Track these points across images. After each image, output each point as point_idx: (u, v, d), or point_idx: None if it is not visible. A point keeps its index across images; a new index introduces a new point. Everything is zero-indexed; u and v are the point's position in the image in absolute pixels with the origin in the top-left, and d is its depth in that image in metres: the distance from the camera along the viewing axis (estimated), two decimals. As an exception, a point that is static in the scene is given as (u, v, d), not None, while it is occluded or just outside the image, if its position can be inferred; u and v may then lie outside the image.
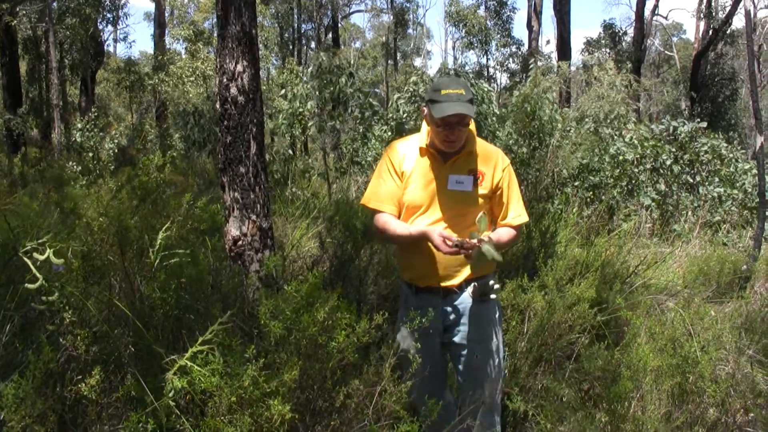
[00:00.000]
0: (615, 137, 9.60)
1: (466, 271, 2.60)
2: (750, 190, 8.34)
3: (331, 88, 9.08)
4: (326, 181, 9.86)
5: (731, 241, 7.28)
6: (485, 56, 35.07)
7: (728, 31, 25.15)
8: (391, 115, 10.15)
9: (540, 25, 24.55)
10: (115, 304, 2.44)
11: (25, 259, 2.29)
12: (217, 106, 3.59)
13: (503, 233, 2.60)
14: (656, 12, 29.50)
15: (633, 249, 5.81)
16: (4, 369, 2.29)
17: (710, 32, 23.20)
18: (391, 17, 36.88)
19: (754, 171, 8.09)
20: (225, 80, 3.50)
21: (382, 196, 2.63)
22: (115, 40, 46.82)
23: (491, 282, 2.67)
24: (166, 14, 30.78)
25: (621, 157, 8.53)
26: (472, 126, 2.63)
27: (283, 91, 9.91)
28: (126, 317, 2.43)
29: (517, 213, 2.66)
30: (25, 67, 22.22)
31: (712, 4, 23.83)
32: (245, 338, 2.46)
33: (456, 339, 2.65)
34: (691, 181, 8.69)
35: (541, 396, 3.16)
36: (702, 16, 24.67)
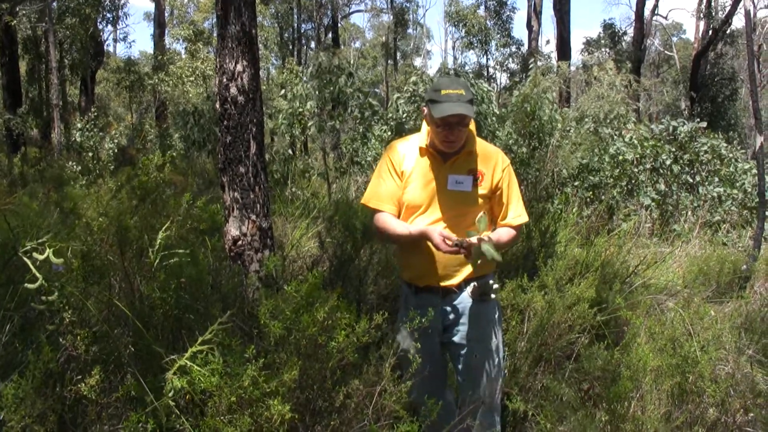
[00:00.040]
0: (615, 137, 9.60)
1: (466, 271, 2.60)
2: (750, 189, 8.34)
3: (331, 88, 9.08)
4: (326, 180, 9.86)
5: (731, 240, 7.28)
6: (485, 56, 35.09)
7: (728, 31, 25.16)
8: (390, 115, 10.15)
9: (540, 25, 24.56)
10: (114, 303, 2.44)
11: (25, 258, 2.29)
12: (217, 105, 3.59)
13: (503, 233, 2.60)
14: (656, 12, 29.53)
15: (633, 249, 5.81)
16: (3, 369, 2.29)
17: (710, 32, 23.21)
18: (391, 17, 36.90)
19: (754, 171, 8.09)
20: (225, 80, 3.49)
21: (382, 195, 2.64)
22: (115, 40, 46.88)
23: (491, 282, 2.67)
24: (166, 14, 30.79)
25: (621, 157, 8.53)
26: (472, 126, 2.63)
27: (283, 91, 9.91)
28: (126, 317, 2.43)
29: (517, 213, 2.66)
30: (24, 67, 22.22)
31: (712, 4, 23.85)
32: (245, 338, 2.46)
33: (455, 339, 2.65)
34: (691, 181, 8.69)
35: (540, 396, 3.16)
36: (702, 16, 24.68)
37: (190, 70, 22.37)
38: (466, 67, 34.63)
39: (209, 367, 1.92)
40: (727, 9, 22.48)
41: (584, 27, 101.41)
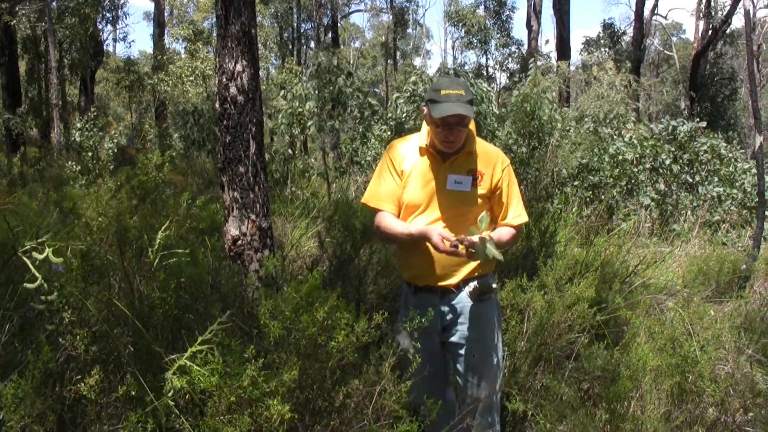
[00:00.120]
0: (614, 137, 9.60)
1: (464, 271, 2.60)
2: (749, 189, 8.34)
3: (331, 88, 9.08)
4: (326, 180, 9.86)
5: (730, 240, 7.28)
6: (484, 56, 35.12)
7: (727, 31, 25.20)
8: (390, 114, 10.15)
9: (539, 24, 24.58)
10: (114, 303, 2.44)
11: (25, 258, 2.28)
12: (217, 105, 3.58)
13: (504, 232, 2.60)
14: (655, 12, 29.54)
15: (632, 248, 5.81)
16: (3, 369, 2.29)
17: (710, 32, 23.21)
18: (391, 17, 36.89)
19: (754, 170, 8.10)
20: (224, 80, 3.49)
21: (382, 195, 2.64)
22: (115, 40, 46.83)
23: (490, 281, 2.67)
24: (166, 14, 30.79)
25: (620, 157, 8.53)
26: (472, 126, 2.63)
27: (282, 92, 9.90)
28: (125, 317, 2.42)
29: (517, 213, 2.67)
30: (24, 67, 22.21)
31: (712, 3, 23.83)
32: (245, 338, 2.46)
33: (454, 338, 2.65)
34: (691, 180, 8.69)
35: (540, 395, 3.16)
36: (701, 15, 24.68)
37: (190, 69, 22.38)
38: (466, 67, 34.63)
39: (209, 367, 1.92)
40: (727, 9, 22.50)
41: (584, 27, 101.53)
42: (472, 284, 2.62)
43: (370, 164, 10.35)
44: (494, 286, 2.69)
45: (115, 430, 2.09)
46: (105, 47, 28.72)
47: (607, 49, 25.62)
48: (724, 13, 22.78)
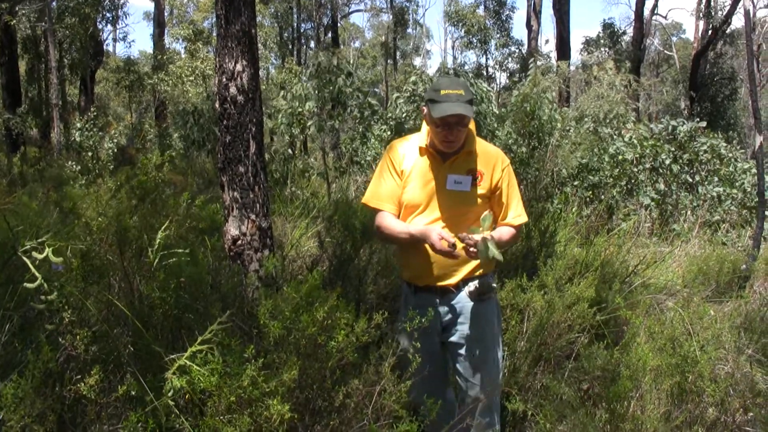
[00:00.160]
0: (614, 137, 9.60)
1: (464, 271, 2.60)
2: (749, 189, 8.34)
3: (331, 88, 9.07)
4: (325, 180, 9.86)
5: (730, 240, 7.28)
6: (484, 56, 35.12)
7: (727, 31, 25.20)
8: (390, 114, 10.15)
9: (539, 24, 24.57)
10: (114, 303, 2.44)
11: (24, 258, 2.28)
12: (217, 105, 3.58)
13: (504, 232, 2.60)
14: (655, 11, 29.54)
15: (632, 248, 5.81)
16: (3, 368, 2.29)
17: (709, 32, 23.22)
18: (391, 17, 36.90)
19: (754, 170, 8.10)
20: (224, 80, 3.49)
21: (382, 195, 2.64)
22: (115, 40, 46.83)
23: (489, 281, 2.67)
24: (166, 14, 30.79)
25: (620, 157, 8.53)
26: (472, 126, 2.63)
27: (282, 92, 9.91)
28: (125, 317, 2.42)
29: (517, 213, 2.67)
30: (24, 67, 22.21)
31: (712, 3, 23.84)
32: (244, 338, 2.46)
33: (454, 338, 2.65)
34: (691, 180, 8.69)
35: (540, 395, 3.16)
36: (701, 15, 24.68)
37: (190, 69, 22.37)
38: (466, 67, 34.64)
39: (209, 366, 1.92)
40: (727, 9, 22.50)
41: (584, 27, 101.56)
42: (472, 284, 2.62)
43: (370, 164, 10.35)
44: (494, 285, 2.69)
45: (115, 429, 2.09)
46: (105, 47, 28.74)
47: (606, 49, 25.62)
48: (724, 13, 22.79)
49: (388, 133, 9.85)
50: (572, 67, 22.39)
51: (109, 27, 26.74)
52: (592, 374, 2.91)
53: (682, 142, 8.79)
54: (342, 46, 37.08)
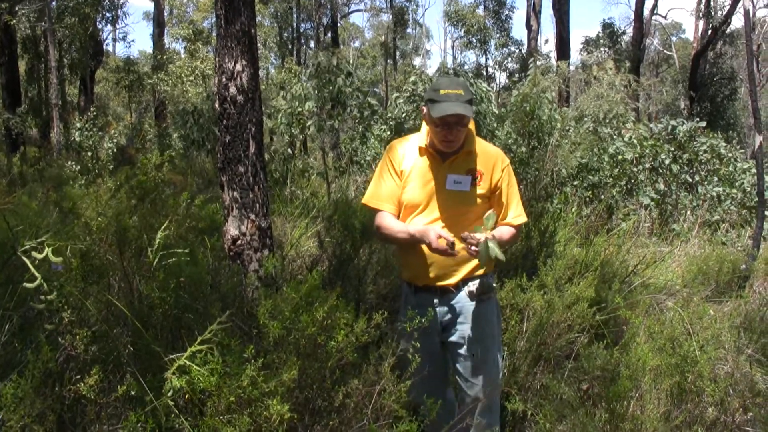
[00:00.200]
0: (614, 137, 9.60)
1: (464, 271, 2.60)
2: (749, 189, 8.34)
3: (330, 88, 9.07)
4: (325, 180, 9.85)
5: (730, 240, 7.28)
6: (484, 56, 35.13)
7: (727, 31, 25.21)
8: (390, 114, 10.15)
9: (539, 24, 24.57)
10: (114, 303, 2.44)
11: (24, 258, 2.28)
12: (216, 105, 3.58)
13: (505, 231, 2.60)
14: (655, 11, 29.55)
15: (632, 248, 5.81)
16: (3, 368, 2.29)
17: (709, 32, 23.21)
18: (390, 17, 36.90)
19: (753, 170, 8.10)
20: (224, 79, 3.49)
21: (381, 195, 2.65)
22: (115, 40, 46.85)
23: (490, 281, 2.67)
24: (166, 13, 30.78)
25: (620, 157, 8.53)
26: (472, 126, 2.63)
27: (282, 92, 9.91)
28: (125, 317, 2.42)
29: (516, 213, 2.67)
30: (24, 67, 22.21)
31: (711, 3, 23.83)
32: (244, 338, 2.45)
33: (453, 338, 2.65)
34: (690, 180, 8.69)
35: (540, 395, 3.16)
36: (701, 15, 24.68)
37: (190, 69, 22.36)
38: (465, 67, 34.65)
39: (208, 366, 1.92)
40: (726, 8, 22.51)
41: (583, 26, 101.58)
42: (472, 284, 2.62)
43: (370, 164, 10.35)
44: (494, 285, 2.69)
45: (115, 429, 2.08)
46: (105, 47, 28.74)
47: (606, 49, 25.61)
48: (724, 13, 22.79)
49: (388, 133, 9.85)
50: (572, 67, 22.41)
51: (109, 27, 26.77)
52: (591, 374, 2.91)
53: (682, 142, 8.79)
54: (342, 46, 37.07)
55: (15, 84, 17.52)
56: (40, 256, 2.27)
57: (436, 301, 2.62)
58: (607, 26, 26.75)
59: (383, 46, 37.68)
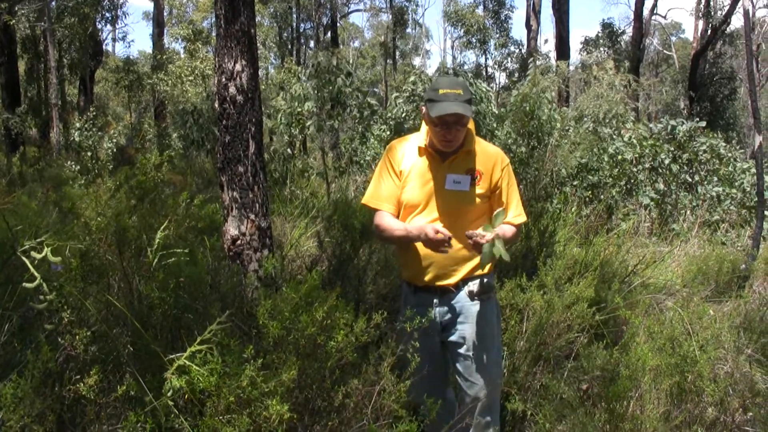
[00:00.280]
0: (614, 137, 9.60)
1: (463, 271, 2.60)
2: (748, 189, 8.34)
3: (330, 88, 9.07)
4: (325, 180, 9.85)
5: (730, 240, 7.28)
6: (484, 56, 35.13)
7: (727, 31, 25.20)
8: (389, 114, 10.14)
9: (539, 24, 24.58)
10: (113, 303, 2.44)
11: (24, 258, 2.28)
12: (216, 105, 3.58)
13: (507, 230, 2.60)
14: (655, 11, 29.57)
15: (632, 248, 5.81)
16: (2, 368, 2.29)
17: (709, 32, 23.22)
18: (390, 16, 36.90)
19: (753, 170, 8.09)
20: (224, 79, 3.49)
21: (381, 195, 2.65)
22: (114, 40, 46.78)
23: (489, 281, 2.67)
24: (165, 13, 30.78)
25: (620, 157, 8.53)
26: (471, 125, 2.63)
27: (282, 93, 9.91)
28: (124, 317, 2.42)
29: (516, 213, 2.67)
30: (23, 67, 22.21)
31: (711, 3, 23.84)
32: (244, 338, 2.46)
33: (453, 338, 2.65)
34: (690, 180, 8.69)
35: (539, 395, 3.16)
36: (701, 15, 24.70)
37: (189, 69, 22.35)
38: (465, 67, 34.69)
39: (208, 366, 1.91)
40: (726, 8, 22.51)
41: (583, 26, 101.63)
42: (472, 284, 2.62)
43: (370, 164, 10.34)
44: (493, 285, 2.69)
45: (115, 430, 2.08)
46: (104, 47, 28.75)
47: (606, 49, 25.62)
48: (724, 13, 22.80)
49: (388, 133, 9.85)
50: (571, 67, 22.40)
51: (109, 27, 26.82)
52: (591, 374, 2.91)
53: (682, 141, 8.79)
54: (341, 46, 37.07)
55: (14, 84, 17.52)
56: (39, 256, 2.27)
57: (435, 301, 2.62)
58: (607, 26, 26.75)
59: (383, 46, 37.70)
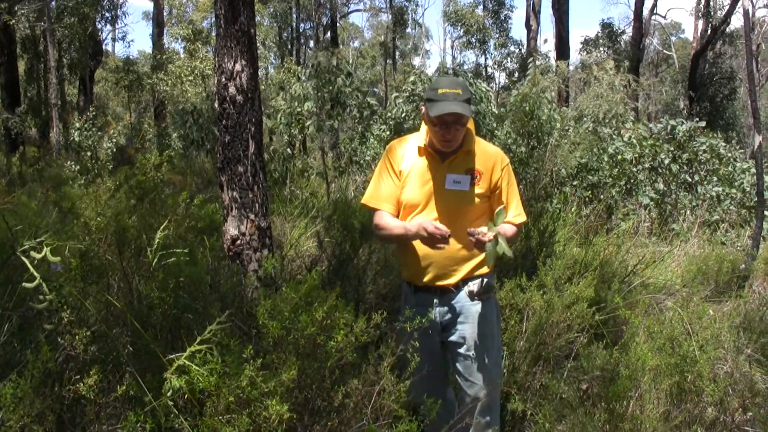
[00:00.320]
0: (613, 136, 9.60)
1: (463, 271, 2.60)
2: (748, 189, 8.34)
3: (330, 88, 9.07)
4: (325, 180, 9.85)
5: (729, 240, 7.28)
6: (483, 56, 35.15)
7: (727, 31, 25.21)
8: (389, 114, 10.14)
9: (538, 24, 24.59)
10: (113, 303, 2.44)
11: (23, 258, 2.28)
12: (216, 105, 3.58)
13: (507, 229, 2.60)
14: (654, 11, 29.59)
15: (631, 248, 5.81)
16: (2, 368, 2.29)
17: (709, 31, 23.23)
18: (390, 16, 36.90)
19: (753, 170, 8.09)
20: (223, 79, 3.49)
21: (381, 195, 2.65)
22: (114, 40, 46.72)
23: (489, 281, 2.68)
24: (165, 13, 30.78)
25: (619, 157, 8.53)
26: (471, 125, 2.63)
27: (282, 93, 9.90)
28: (124, 317, 2.42)
29: (516, 212, 2.67)
30: (23, 67, 22.22)
31: (711, 3, 23.85)
32: (243, 338, 2.46)
33: (454, 338, 2.65)
34: (690, 180, 8.69)
35: (539, 395, 3.16)
36: (700, 15, 24.70)
37: (189, 69, 22.36)
38: (465, 67, 34.69)
39: (208, 366, 1.91)
40: (726, 8, 22.52)
41: (583, 26, 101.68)
42: (472, 284, 2.62)
43: (369, 164, 10.34)
44: (493, 285, 2.70)
45: (114, 430, 2.08)
46: (104, 47, 28.75)
47: (605, 49, 25.63)
48: (723, 13, 22.81)
49: (387, 132, 9.85)
50: (571, 67, 22.40)
51: (108, 27, 26.84)
52: (591, 374, 2.91)
53: (681, 141, 8.79)
54: (341, 46, 37.08)
55: (14, 84, 17.53)
56: (39, 256, 2.27)
57: (435, 300, 2.63)
58: (607, 26, 26.76)
59: (382, 46, 37.70)
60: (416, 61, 48.49)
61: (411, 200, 2.59)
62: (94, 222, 2.61)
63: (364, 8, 40.63)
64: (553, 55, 23.67)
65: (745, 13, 6.41)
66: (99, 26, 23.69)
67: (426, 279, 2.62)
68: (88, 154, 10.76)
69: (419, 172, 2.61)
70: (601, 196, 8.02)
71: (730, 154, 8.98)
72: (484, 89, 9.42)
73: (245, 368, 1.92)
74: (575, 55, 31.61)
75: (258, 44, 4.37)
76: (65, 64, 22.19)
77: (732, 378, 2.95)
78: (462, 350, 2.64)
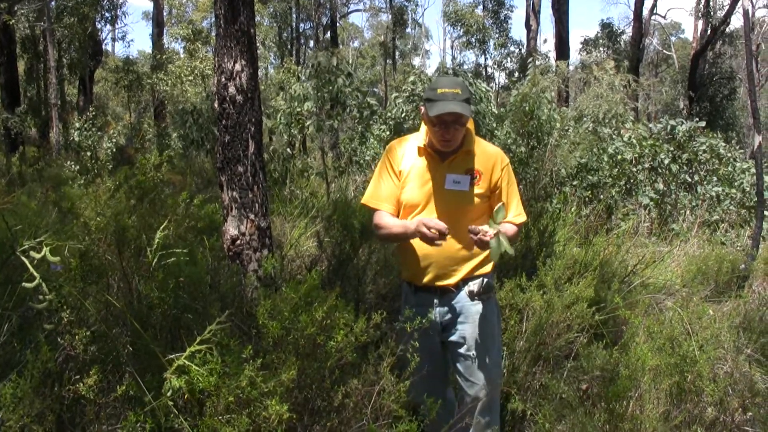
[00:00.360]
0: (613, 136, 9.60)
1: (463, 271, 2.60)
2: (748, 189, 8.34)
3: (330, 88, 9.06)
4: (325, 180, 9.85)
5: (729, 240, 7.28)
6: (483, 56, 35.17)
7: (726, 31, 25.22)
8: (389, 114, 10.14)
9: (538, 24, 24.58)
10: (113, 303, 2.44)
11: (23, 258, 2.28)
12: (216, 105, 3.58)
13: (508, 229, 2.60)
14: (654, 11, 29.59)
15: (631, 248, 5.81)
16: (2, 368, 2.29)
17: (708, 31, 23.23)
18: (390, 16, 36.91)
19: (752, 170, 8.09)
20: (223, 79, 3.49)
21: (380, 195, 2.65)
22: (114, 40, 46.69)
23: (489, 281, 2.67)
24: (165, 13, 30.78)
25: (619, 157, 8.53)
26: (471, 125, 2.63)
27: (282, 93, 9.90)
28: (124, 317, 2.42)
29: (517, 212, 2.67)
30: (23, 66, 22.23)
31: (711, 3, 23.85)
32: (243, 338, 2.45)
33: (454, 338, 2.65)
34: (690, 180, 8.68)
35: (539, 395, 3.16)
36: (700, 15, 24.71)
37: (189, 69, 22.37)
38: (465, 67, 34.70)
39: (207, 366, 1.91)
40: (726, 8, 22.52)
41: (583, 26, 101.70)
42: (472, 284, 2.62)
43: (369, 164, 10.34)
44: (493, 285, 2.70)
45: (114, 429, 2.08)
46: (104, 47, 28.75)
47: (605, 49, 25.64)
48: (723, 13, 22.80)
49: (387, 132, 9.85)
50: (571, 67, 22.40)
51: (108, 27, 26.84)
52: (591, 374, 2.91)
53: (681, 141, 8.79)
54: (341, 46, 37.07)
55: (14, 84, 17.53)
56: (38, 256, 2.27)
57: (436, 301, 2.63)
58: (606, 26, 26.79)
59: (382, 46, 37.71)
60: (416, 61, 48.55)
61: (411, 200, 2.59)
62: (94, 222, 2.61)
63: (364, 8, 40.67)
64: (552, 55, 23.67)
65: (745, 13, 6.42)
66: (99, 26, 23.71)
67: (426, 279, 2.62)
68: (88, 154, 10.75)
69: (419, 172, 2.60)
70: (601, 196, 8.02)
71: (729, 154, 8.97)
72: (483, 89, 9.41)
73: (245, 368, 1.92)
74: (575, 55, 31.66)
75: (258, 44, 4.37)
76: (65, 64, 22.19)
77: (732, 378, 2.95)
78: (462, 350, 2.64)
